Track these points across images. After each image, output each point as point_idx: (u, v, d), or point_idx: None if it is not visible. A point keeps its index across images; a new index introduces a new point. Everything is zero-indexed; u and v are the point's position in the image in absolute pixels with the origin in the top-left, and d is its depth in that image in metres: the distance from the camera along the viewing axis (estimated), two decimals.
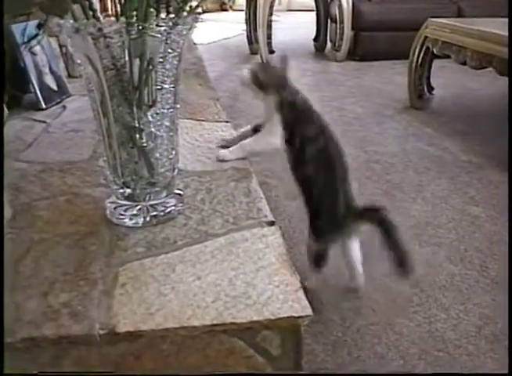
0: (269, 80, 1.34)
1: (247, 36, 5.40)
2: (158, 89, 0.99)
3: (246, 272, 0.91)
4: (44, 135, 1.68)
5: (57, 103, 2.06)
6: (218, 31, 6.71)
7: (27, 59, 1.95)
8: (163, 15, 1.00)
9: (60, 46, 2.42)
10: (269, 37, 4.86)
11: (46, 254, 0.99)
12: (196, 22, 0.98)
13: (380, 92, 3.97)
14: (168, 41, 0.94)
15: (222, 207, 1.14)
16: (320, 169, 1.34)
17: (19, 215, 1.14)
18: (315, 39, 5.77)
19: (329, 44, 5.53)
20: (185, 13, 0.97)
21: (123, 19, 0.93)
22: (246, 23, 5.36)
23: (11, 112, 1.92)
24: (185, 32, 0.97)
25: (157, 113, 1.01)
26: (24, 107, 2.00)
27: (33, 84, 1.97)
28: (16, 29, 1.87)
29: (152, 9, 0.94)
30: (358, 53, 4.99)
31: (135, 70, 0.95)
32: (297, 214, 2.02)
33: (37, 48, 2.03)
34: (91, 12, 0.93)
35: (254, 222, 1.07)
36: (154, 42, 0.93)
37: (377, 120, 3.28)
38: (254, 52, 5.22)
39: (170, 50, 0.96)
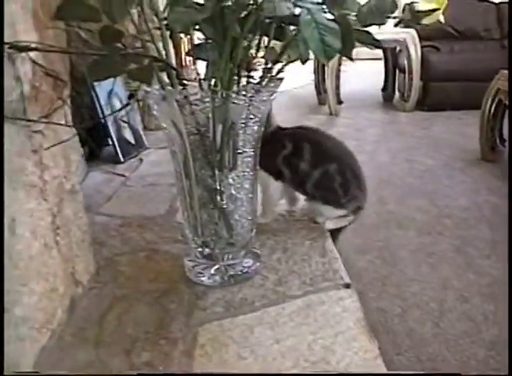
0: None
1: (316, 86, 5.45)
2: (239, 153, 1.02)
3: (324, 337, 0.91)
4: (123, 189, 1.74)
5: (134, 156, 2.13)
6: (286, 81, 6.79)
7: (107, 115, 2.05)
8: (243, 79, 1.04)
9: (137, 100, 2.52)
10: (338, 87, 4.89)
11: (128, 311, 1.02)
12: (277, 88, 1.01)
13: (450, 143, 3.92)
14: (250, 108, 0.98)
15: (299, 267, 1.15)
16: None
17: (103, 270, 1.19)
18: (384, 89, 5.77)
19: (397, 94, 5.52)
20: (266, 80, 1.00)
21: (206, 85, 0.98)
22: (315, 72, 5.40)
23: (90, 164, 2.01)
24: (265, 98, 1.00)
25: (238, 176, 1.04)
26: (103, 160, 2.08)
27: (112, 139, 2.05)
28: (100, 88, 1.96)
29: (235, 77, 0.98)
30: (427, 103, 4.95)
31: (218, 134, 0.99)
32: (367, 269, 2.00)
33: (117, 104, 2.13)
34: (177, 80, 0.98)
35: (330, 284, 1.08)
36: (237, 109, 0.97)
37: (448, 172, 3.23)
38: (322, 102, 5.26)
39: (252, 116, 0.99)
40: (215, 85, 0.95)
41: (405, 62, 4.91)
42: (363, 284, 1.92)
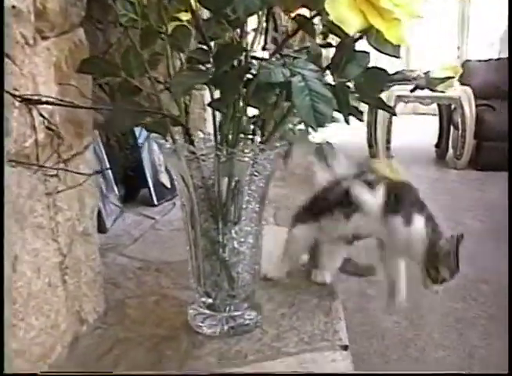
0: None
1: (368, 139, 5.44)
2: (243, 208, 1.05)
3: None
4: (150, 232, 1.79)
5: (169, 200, 2.18)
6: (340, 132, 6.82)
7: (145, 158, 2.12)
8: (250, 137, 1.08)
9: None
10: (388, 141, 4.88)
11: (126, 355, 1.05)
12: (284, 148, 1.04)
13: (501, 206, 3.83)
14: (255, 166, 1.01)
15: (300, 324, 1.15)
16: None
17: (112, 311, 1.22)
18: (437, 145, 5.73)
19: (450, 151, 5.47)
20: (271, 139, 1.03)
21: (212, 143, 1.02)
22: (368, 125, 5.36)
23: (126, 206, 2.07)
24: (272, 157, 1.03)
25: (241, 230, 1.07)
26: (138, 202, 2.14)
27: (147, 182, 2.11)
28: (138, 131, 2.05)
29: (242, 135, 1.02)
30: (480, 163, 4.89)
31: (223, 189, 1.02)
32: (392, 330, 1.98)
33: (155, 148, 2.20)
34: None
35: (327, 344, 1.08)
36: (242, 166, 1.00)
37: (494, 236, 3.15)
38: (373, 155, 5.25)
39: (256, 173, 1.02)
40: (221, 143, 0.99)
41: (459, 119, 4.88)
42: (386, 346, 1.89)
